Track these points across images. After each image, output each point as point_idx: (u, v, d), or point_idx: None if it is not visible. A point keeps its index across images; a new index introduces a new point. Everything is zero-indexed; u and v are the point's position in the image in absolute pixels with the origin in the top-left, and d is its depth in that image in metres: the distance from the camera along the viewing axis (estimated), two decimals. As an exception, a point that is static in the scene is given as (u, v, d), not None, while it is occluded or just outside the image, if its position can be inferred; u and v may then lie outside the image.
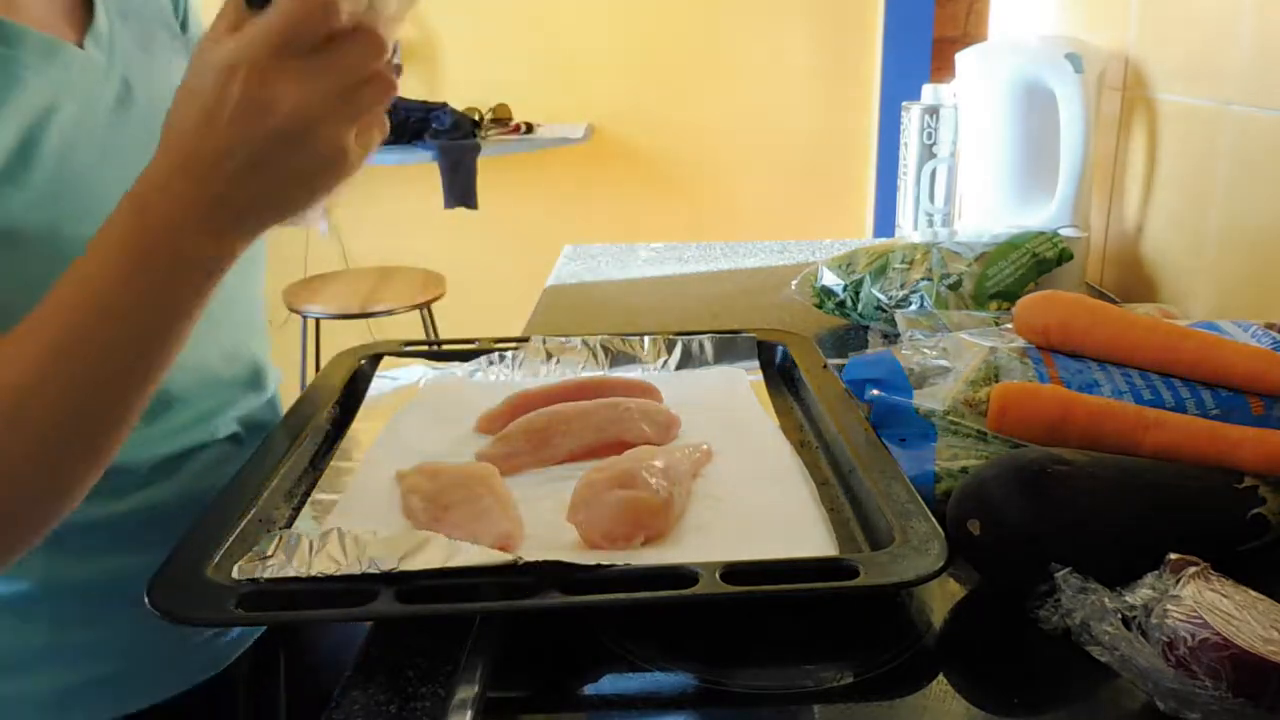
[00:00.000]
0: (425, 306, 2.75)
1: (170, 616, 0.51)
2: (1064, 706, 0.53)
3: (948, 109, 1.31)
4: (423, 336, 2.72)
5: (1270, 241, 0.93)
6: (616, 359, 0.91)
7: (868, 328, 1.07)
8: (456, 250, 3.14)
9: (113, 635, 0.68)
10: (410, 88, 3.06)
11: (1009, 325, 0.78)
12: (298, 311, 2.66)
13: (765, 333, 0.93)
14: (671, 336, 0.92)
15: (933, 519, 0.58)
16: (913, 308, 1.01)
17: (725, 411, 0.80)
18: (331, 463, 0.73)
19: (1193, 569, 0.52)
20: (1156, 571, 0.52)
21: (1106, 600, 0.52)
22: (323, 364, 0.88)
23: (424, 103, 2.94)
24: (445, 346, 0.94)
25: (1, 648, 0.66)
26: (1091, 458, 0.60)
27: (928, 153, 1.33)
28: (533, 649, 0.56)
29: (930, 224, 1.36)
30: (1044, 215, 1.17)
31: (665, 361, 0.91)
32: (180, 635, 0.70)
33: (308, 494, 0.68)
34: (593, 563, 0.53)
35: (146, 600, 0.52)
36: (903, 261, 1.05)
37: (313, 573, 0.53)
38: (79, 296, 0.51)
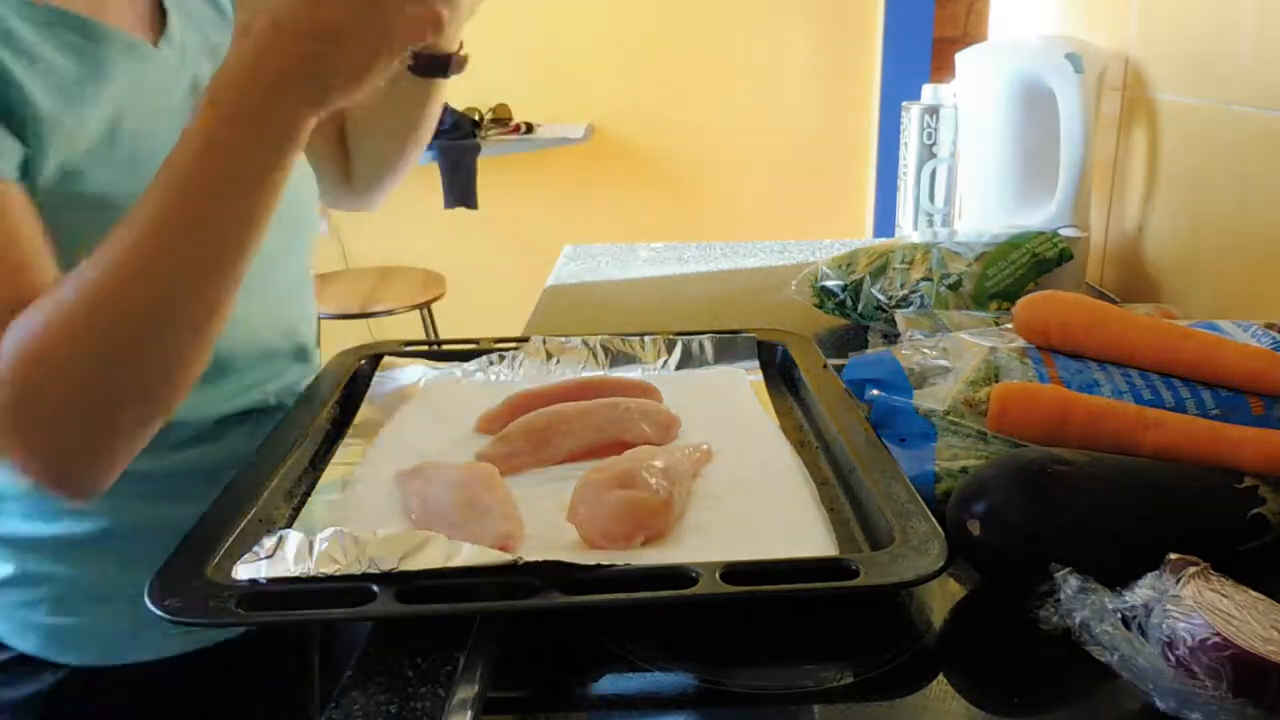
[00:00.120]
0: (425, 306, 2.75)
1: (170, 616, 0.51)
2: (1064, 706, 0.53)
3: (948, 109, 1.31)
4: (423, 336, 2.72)
5: (1270, 241, 0.93)
6: (616, 359, 0.91)
7: (868, 328, 1.07)
8: (456, 250, 3.14)
9: None
10: (410, 88, 3.06)
11: (1009, 325, 0.77)
12: (298, 311, 2.66)
13: (765, 333, 0.93)
14: (671, 336, 0.92)
15: (933, 519, 0.58)
16: (913, 308, 1.01)
17: (725, 411, 0.80)
18: (331, 463, 0.73)
19: (1193, 569, 0.52)
20: (1156, 571, 0.52)
21: (1106, 600, 0.52)
22: (323, 364, 0.89)
23: (424, 103, 2.94)
24: (445, 346, 0.94)
25: (83, 580, 0.74)
26: (1091, 458, 0.60)
27: (928, 153, 1.33)
28: (533, 649, 0.56)
29: (930, 224, 1.36)
30: (1044, 215, 1.17)
31: (665, 361, 0.91)
32: None
33: (308, 494, 0.68)
34: (593, 563, 0.53)
35: (146, 599, 0.52)
36: (903, 262, 1.05)
37: (313, 573, 0.53)
38: (167, 178, 0.58)
